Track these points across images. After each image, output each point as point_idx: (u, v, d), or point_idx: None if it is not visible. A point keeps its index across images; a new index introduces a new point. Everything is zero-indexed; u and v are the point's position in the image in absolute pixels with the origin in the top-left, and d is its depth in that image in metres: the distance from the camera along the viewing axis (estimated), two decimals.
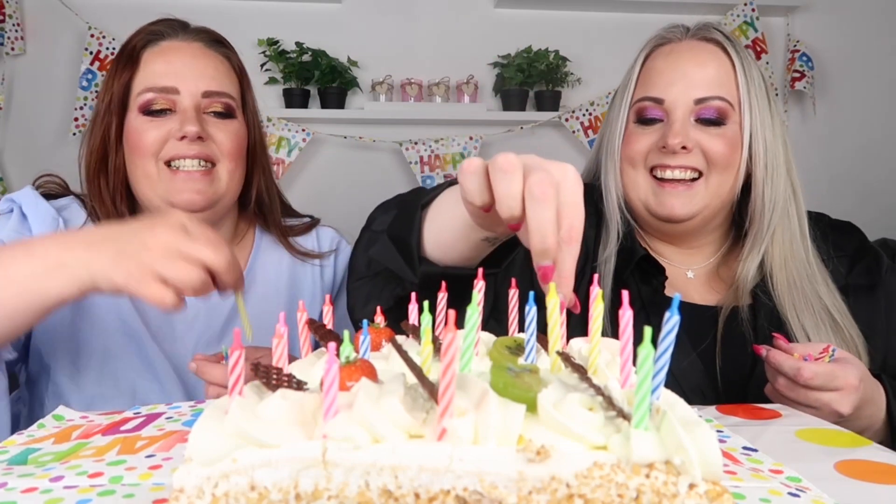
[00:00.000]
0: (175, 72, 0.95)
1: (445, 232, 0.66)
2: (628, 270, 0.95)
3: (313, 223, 1.15)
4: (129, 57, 0.96)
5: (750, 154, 0.94)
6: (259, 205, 1.07)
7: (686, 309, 0.81)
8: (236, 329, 0.38)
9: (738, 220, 1.01)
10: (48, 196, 0.98)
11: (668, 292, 0.95)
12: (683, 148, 0.91)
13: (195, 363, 0.82)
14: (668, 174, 0.93)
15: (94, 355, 0.93)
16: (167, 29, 0.99)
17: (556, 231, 0.49)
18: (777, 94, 2.64)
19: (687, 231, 0.98)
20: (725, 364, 0.91)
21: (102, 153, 0.97)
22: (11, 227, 0.91)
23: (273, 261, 1.09)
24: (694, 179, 0.93)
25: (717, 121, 0.93)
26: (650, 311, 0.92)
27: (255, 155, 1.05)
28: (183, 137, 0.92)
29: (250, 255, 1.08)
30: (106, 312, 0.94)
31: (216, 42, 1.02)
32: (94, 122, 0.98)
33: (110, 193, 0.97)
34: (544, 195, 0.49)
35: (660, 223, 0.97)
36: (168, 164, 0.94)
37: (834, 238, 0.99)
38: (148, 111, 0.94)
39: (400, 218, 0.72)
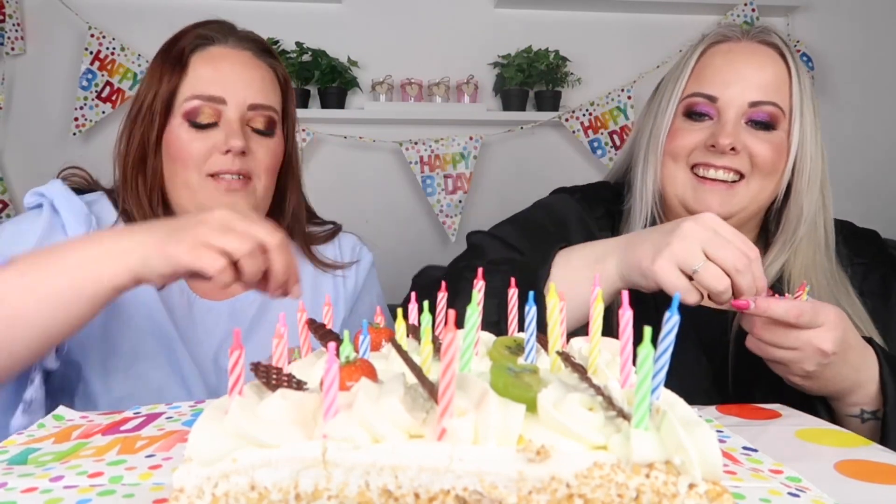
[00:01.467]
0: (223, 80, 0.94)
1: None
2: None
3: (335, 230, 1.13)
4: (176, 60, 0.95)
5: (794, 163, 0.93)
6: (296, 219, 1.06)
7: (701, 312, 0.80)
8: (236, 329, 0.38)
9: (765, 225, 1.00)
10: (75, 191, 0.95)
11: None
12: (732, 149, 0.90)
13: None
14: (711, 173, 0.92)
15: (123, 356, 0.91)
16: (216, 34, 0.98)
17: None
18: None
19: None
20: (738, 366, 0.90)
21: (141, 154, 0.95)
22: (43, 223, 0.89)
23: None
24: (735, 181, 0.92)
25: (767, 124, 0.92)
26: (661, 309, 0.91)
27: (290, 167, 1.04)
28: (227, 151, 0.92)
29: None
30: (137, 312, 0.92)
31: (265, 52, 1.01)
32: (134, 120, 0.96)
33: (147, 194, 0.95)
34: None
35: None
36: (211, 175, 0.94)
37: (855, 244, 0.99)
38: (193, 123, 0.93)
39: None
